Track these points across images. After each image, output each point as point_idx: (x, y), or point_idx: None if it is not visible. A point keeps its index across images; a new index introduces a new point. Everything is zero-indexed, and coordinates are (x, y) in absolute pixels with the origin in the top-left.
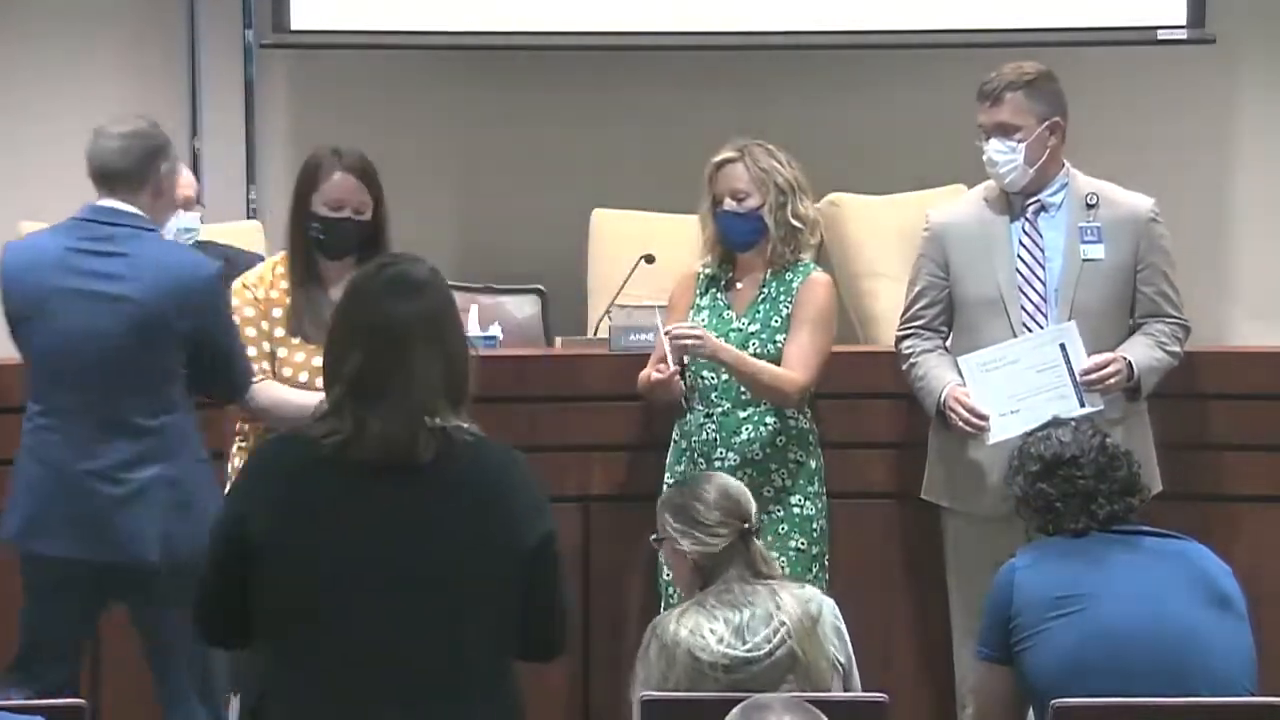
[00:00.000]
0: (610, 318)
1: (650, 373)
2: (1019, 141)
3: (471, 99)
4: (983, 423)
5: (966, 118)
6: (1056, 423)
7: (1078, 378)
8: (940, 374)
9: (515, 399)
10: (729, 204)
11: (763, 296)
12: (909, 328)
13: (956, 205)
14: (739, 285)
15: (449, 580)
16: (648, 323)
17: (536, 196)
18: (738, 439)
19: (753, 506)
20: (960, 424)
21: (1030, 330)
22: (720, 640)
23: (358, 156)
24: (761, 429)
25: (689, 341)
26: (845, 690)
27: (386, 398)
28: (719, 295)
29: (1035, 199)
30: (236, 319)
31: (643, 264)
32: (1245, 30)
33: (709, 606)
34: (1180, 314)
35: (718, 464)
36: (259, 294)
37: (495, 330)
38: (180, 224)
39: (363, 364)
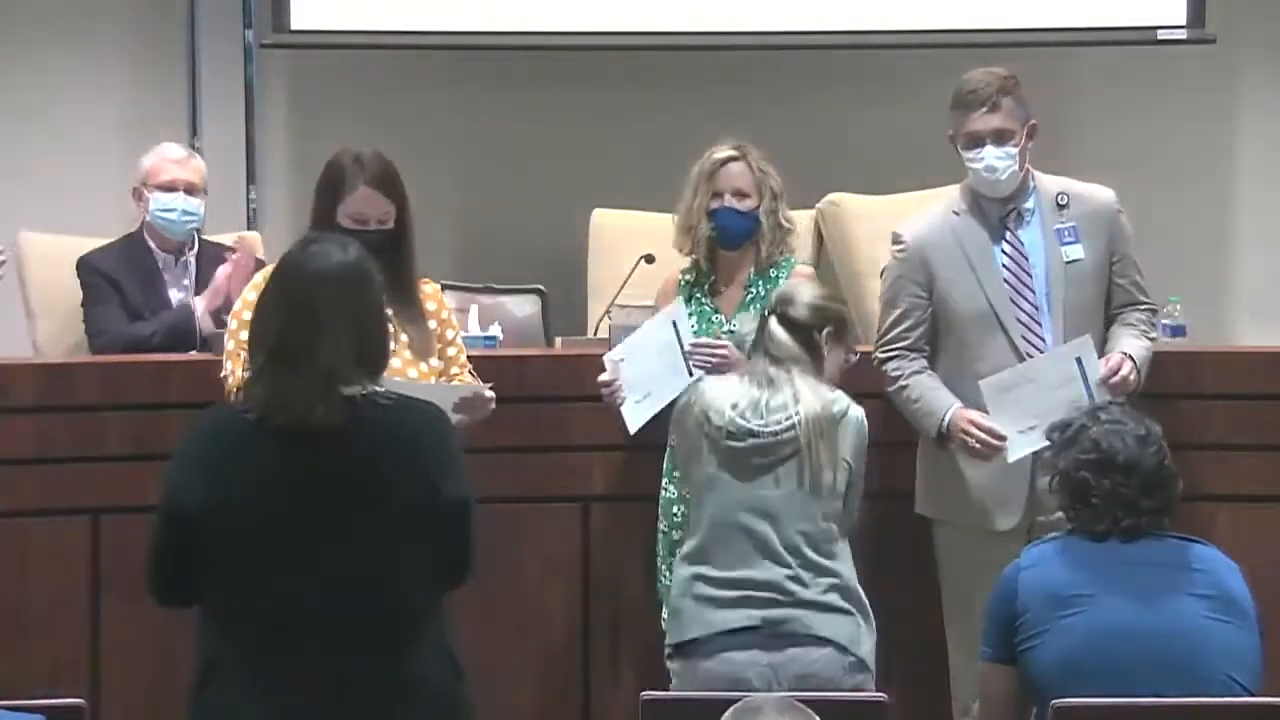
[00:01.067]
0: (610, 318)
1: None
2: (1014, 146)
3: (471, 99)
4: (1001, 443)
5: None
6: (1131, 416)
7: (1093, 386)
8: (938, 396)
9: (515, 399)
10: (730, 200)
11: (751, 296)
12: (892, 349)
13: (928, 222)
14: (723, 288)
15: (367, 536)
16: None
17: (536, 196)
18: None
19: (798, 301)
20: (976, 445)
21: (1029, 341)
22: (734, 407)
23: (380, 166)
24: None
25: (718, 358)
26: (846, 487)
27: (300, 367)
28: (704, 300)
29: (1012, 206)
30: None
31: (643, 264)
32: (1245, 30)
33: (743, 380)
34: (1149, 298)
35: None
36: None
37: (495, 330)
38: (183, 206)
39: (280, 334)
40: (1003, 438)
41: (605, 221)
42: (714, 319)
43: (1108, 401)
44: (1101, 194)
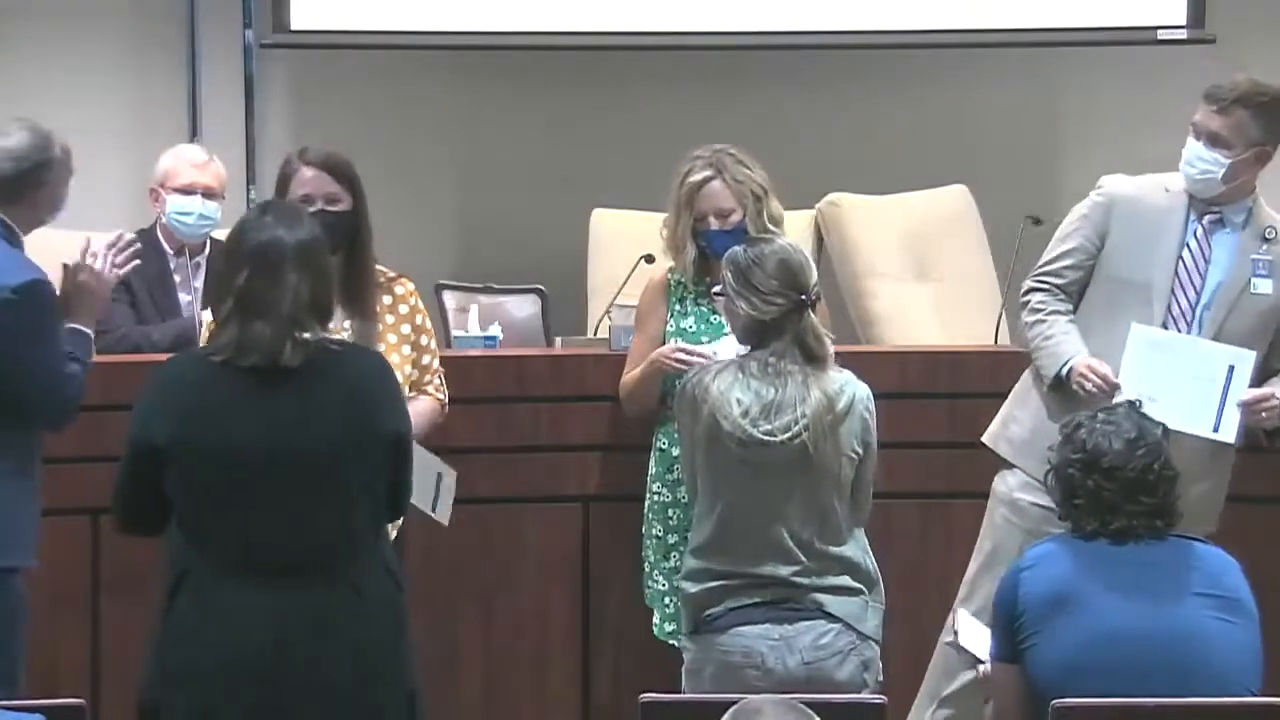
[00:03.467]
0: (610, 318)
1: (634, 374)
2: (1225, 156)
3: (471, 99)
4: (1114, 390)
5: (967, 117)
6: (1129, 417)
7: (1228, 405)
8: (1072, 341)
9: (515, 399)
10: (714, 223)
11: None
12: (1045, 282)
13: (1134, 183)
14: (717, 290)
15: (327, 464)
16: None
17: (536, 196)
18: None
19: (812, 279)
20: (1090, 389)
21: (1176, 329)
22: (745, 414)
23: (326, 151)
24: None
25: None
26: (858, 472)
27: (265, 312)
28: (701, 303)
29: (1218, 209)
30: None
31: (643, 264)
32: (1245, 30)
33: (747, 372)
34: None
35: None
36: None
37: (495, 330)
38: (201, 210)
39: (247, 281)
40: (1115, 385)
41: (605, 221)
42: (712, 320)
43: (1116, 405)
44: None
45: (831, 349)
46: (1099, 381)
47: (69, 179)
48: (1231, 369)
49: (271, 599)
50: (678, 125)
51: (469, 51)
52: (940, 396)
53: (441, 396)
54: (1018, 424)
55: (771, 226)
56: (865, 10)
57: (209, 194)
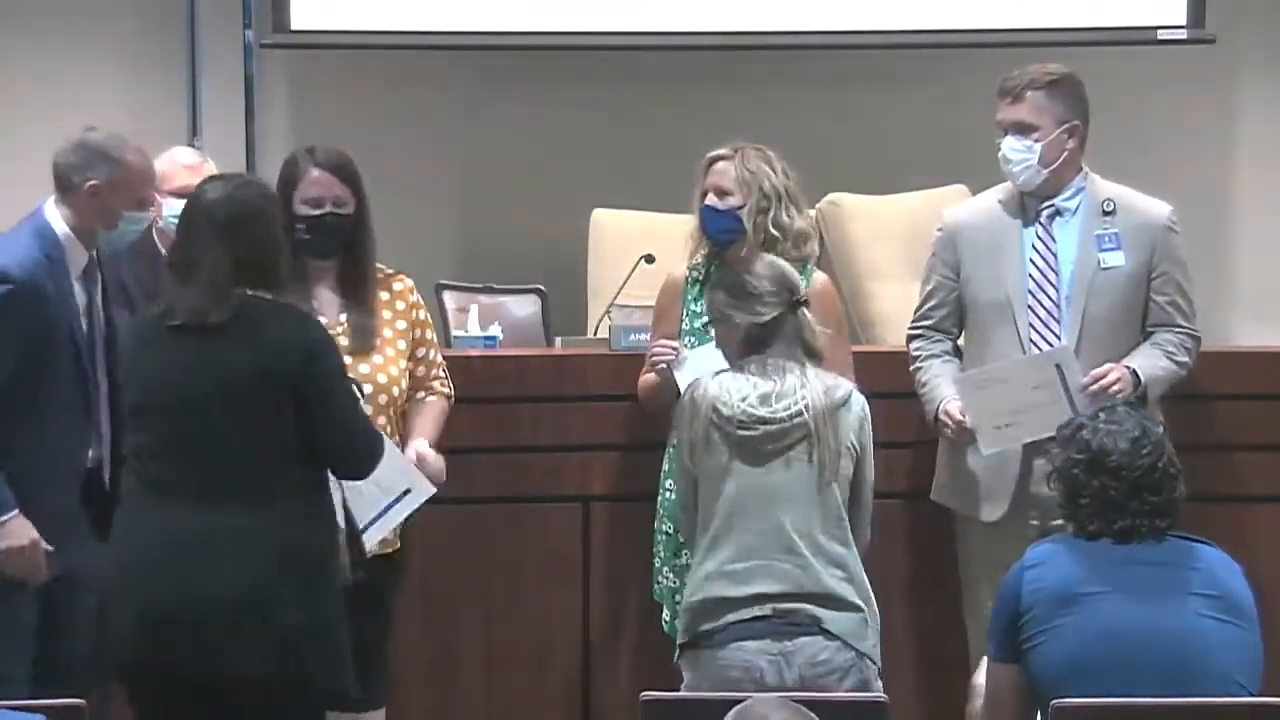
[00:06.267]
0: (610, 318)
1: (650, 377)
2: (1035, 141)
3: (471, 99)
4: (966, 435)
5: (967, 117)
6: (1132, 417)
7: (1074, 394)
8: (941, 385)
9: (515, 399)
10: (711, 199)
11: None
12: (918, 328)
13: (971, 206)
14: (706, 321)
15: (235, 404)
16: (648, 323)
17: (536, 196)
18: None
19: (801, 285)
20: (948, 434)
21: (1040, 337)
22: (744, 399)
23: (334, 153)
24: None
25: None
26: (856, 472)
27: (191, 276)
28: None
29: (1050, 203)
30: None
31: (643, 264)
32: (1245, 30)
33: (746, 372)
34: (1191, 324)
35: None
36: None
37: (495, 330)
38: None
39: (178, 250)
40: (969, 429)
41: (605, 221)
42: None
43: (1117, 403)
44: (1154, 207)
45: (845, 349)
46: (954, 427)
47: (133, 199)
48: (1059, 367)
49: (170, 518)
50: (678, 125)
51: (469, 51)
52: None
53: (448, 390)
54: (939, 469)
55: (774, 231)
56: (865, 10)
57: None
